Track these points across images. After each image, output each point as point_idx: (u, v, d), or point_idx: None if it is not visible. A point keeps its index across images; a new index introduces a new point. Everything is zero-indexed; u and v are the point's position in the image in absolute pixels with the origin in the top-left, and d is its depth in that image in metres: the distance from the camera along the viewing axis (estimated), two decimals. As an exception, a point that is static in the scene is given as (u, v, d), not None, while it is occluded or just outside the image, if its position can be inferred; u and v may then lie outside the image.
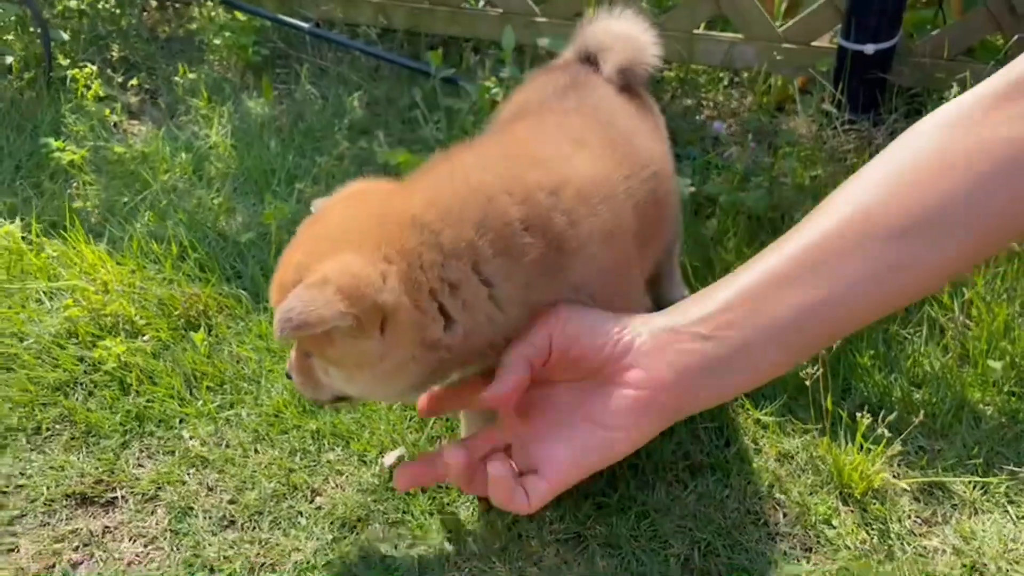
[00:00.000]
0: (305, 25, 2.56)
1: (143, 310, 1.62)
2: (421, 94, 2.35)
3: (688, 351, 0.98)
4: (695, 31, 2.43)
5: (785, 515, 1.33)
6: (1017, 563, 1.27)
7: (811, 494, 1.36)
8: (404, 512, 1.32)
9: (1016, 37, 2.14)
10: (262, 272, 1.72)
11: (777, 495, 1.36)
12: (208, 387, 1.49)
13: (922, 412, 1.42)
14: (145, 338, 1.58)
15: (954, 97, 2.25)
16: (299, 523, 1.30)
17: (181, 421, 1.45)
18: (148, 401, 1.47)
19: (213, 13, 2.78)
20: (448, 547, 1.27)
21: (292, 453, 1.40)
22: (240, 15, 2.66)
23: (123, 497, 1.35)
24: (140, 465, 1.40)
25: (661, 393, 0.98)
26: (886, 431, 1.33)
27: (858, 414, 1.38)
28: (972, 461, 1.40)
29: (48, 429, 1.46)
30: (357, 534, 1.29)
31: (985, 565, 1.26)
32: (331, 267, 0.96)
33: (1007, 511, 1.34)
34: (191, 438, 1.42)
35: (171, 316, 1.62)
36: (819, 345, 1.02)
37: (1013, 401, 1.51)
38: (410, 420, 1.46)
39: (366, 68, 2.55)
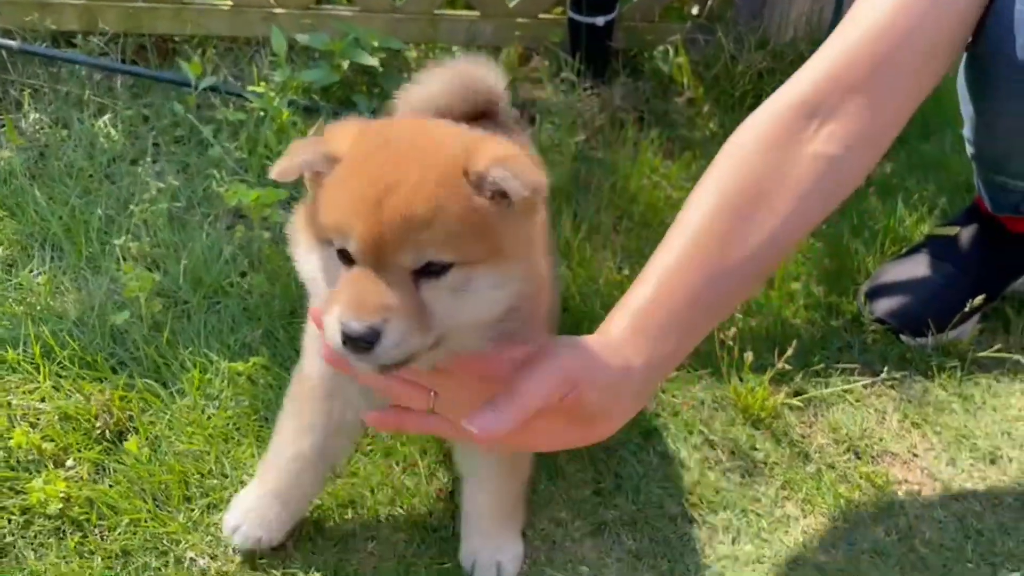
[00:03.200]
0: (13, 43, 2.17)
1: (51, 431, 1.41)
2: (184, 109, 2.16)
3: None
4: (436, 11, 2.52)
5: (723, 451, 1.64)
6: (871, 437, 1.72)
7: (730, 426, 1.68)
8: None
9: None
10: (158, 352, 1.56)
11: (711, 438, 1.66)
12: (186, 496, 1.38)
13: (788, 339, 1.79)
14: (69, 464, 1.39)
15: (662, 57, 2.61)
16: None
17: (173, 542, 1.33)
18: (122, 533, 1.32)
19: None
20: None
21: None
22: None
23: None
24: (154, 605, 1.28)
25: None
26: (783, 363, 1.69)
27: (745, 353, 1.72)
28: (814, 367, 1.81)
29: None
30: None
31: (857, 445, 1.70)
32: (504, 148, 0.98)
33: (847, 399, 1.79)
34: (197, 556, 1.32)
35: (86, 430, 1.43)
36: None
37: (809, 312, 1.96)
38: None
39: (91, 84, 2.25)
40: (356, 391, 1.20)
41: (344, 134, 1.01)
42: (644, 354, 1.12)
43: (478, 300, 0.97)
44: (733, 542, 1.48)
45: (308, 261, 1.02)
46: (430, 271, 0.94)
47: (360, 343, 0.90)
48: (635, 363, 1.11)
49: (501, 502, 1.36)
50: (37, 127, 2.11)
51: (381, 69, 2.31)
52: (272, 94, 2.13)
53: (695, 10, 2.66)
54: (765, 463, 1.63)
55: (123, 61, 2.33)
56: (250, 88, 2.18)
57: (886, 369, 1.82)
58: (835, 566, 1.45)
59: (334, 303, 0.93)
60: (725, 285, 1.20)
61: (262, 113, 2.15)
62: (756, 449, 1.65)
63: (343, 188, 0.95)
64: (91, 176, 1.97)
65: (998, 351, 1.83)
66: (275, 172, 0.99)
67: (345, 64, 2.30)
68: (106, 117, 2.14)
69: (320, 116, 2.22)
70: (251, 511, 1.32)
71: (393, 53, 2.41)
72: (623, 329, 1.14)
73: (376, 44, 2.32)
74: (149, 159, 2.04)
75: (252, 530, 1.31)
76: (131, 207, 1.84)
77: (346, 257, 0.95)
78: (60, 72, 2.26)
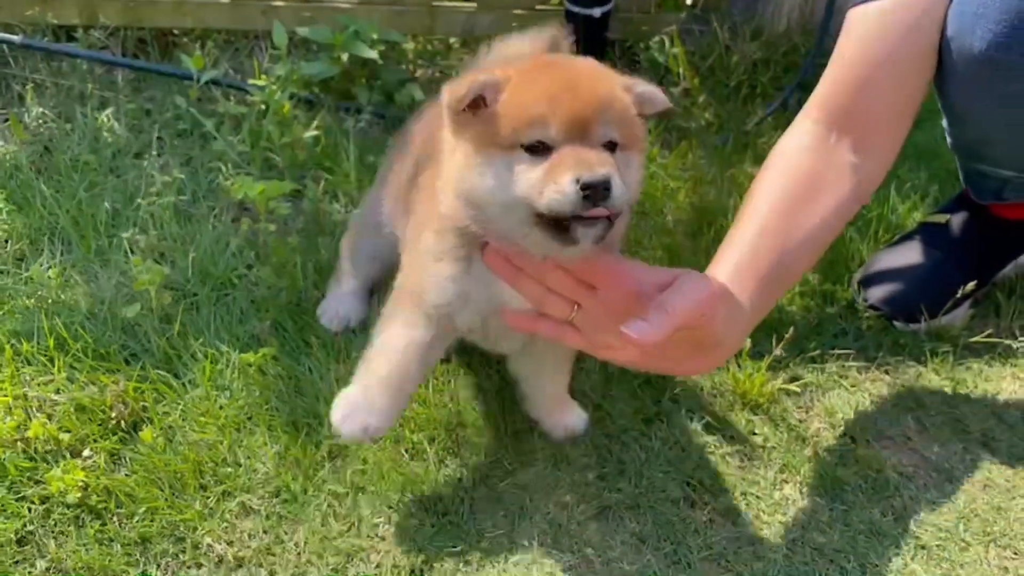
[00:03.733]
0: (15, 38, 2.18)
1: (67, 422, 1.44)
2: (186, 102, 2.18)
3: None
4: (434, 3, 2.54)
5: (723, 436, 1.68)
6: (866, 421, 1.76)
7: (729, 412, 1.72)
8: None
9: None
10: (169, 343, 1.59)
11: (711, 423, 1.70)
12: (201, 485, 1.41)
13: (785, 326, 1.83)
14: (86, 454, 1.42)
15: (658, 47, 2.64)
16: (375, 585, 1.35)
17: (190, 529, 1.37)
18: (140, 520, 1.35)
19: None
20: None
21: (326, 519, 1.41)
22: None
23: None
24: (173, 588, 1.31)
25: None
26: (780, 350, 1.72)
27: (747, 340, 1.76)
28: (810, 354, 1.86)
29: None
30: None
31: (852, 429, 1.74)
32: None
33: (842, 384, 1.83)
34: (214, 542, 1.35)
35: (101, 421, 1.46)
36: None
37: (804, 300, 2.00)
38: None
39: (92, 78, 2.27)
40: (483, 305, 1.30)
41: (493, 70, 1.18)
42: (745, 300, 1.33)
43: (633, 180, 1.18)
44: (734, 524, 1.52)
45: (484, 174, 1.14)
46: (609, 147, 1.13)
47: (601, 190, 1.06)
48: (744, 302, 1.32)
49: (560, 388, 1.60)
50: (41, 121, 2.13)
51: (381, 62, 2.34)
52: (274, 87, 2.15)
53: (690, 1, 2.69)
54: (763, 447, 1.67)
55: (123, 55, 2.34)
56: (251, 81, 2.20)
57: (880, 355, 1.87)
58: (832, 546, 1.49)
59: (557, 174, 1.08)
60: (789, 260, 1.42)
61: (263, 106, 2.17)
62: (755, 434, 1.69)
63: (530, 92, 1.13)
64: (96, 170, 1.99)
65: (989, 336, 1.87)
66: (453, 97, 1.14)
67: (345, 57, 2.32)
68: (109, 111, 2.16)
69: (322, 109, 2.24)
70: (358, 401, 1.31)
71: (392, 45, 2.44)
72: (725, 277, 1.33)
73: (376, 36, 2.34)
74: (154, 152, 2.07)
75: (360, 416, 1.29)
76: (137, 200, 1.87)
77: (539, 148, 1.11)
78: (61, 66, 2.27)
